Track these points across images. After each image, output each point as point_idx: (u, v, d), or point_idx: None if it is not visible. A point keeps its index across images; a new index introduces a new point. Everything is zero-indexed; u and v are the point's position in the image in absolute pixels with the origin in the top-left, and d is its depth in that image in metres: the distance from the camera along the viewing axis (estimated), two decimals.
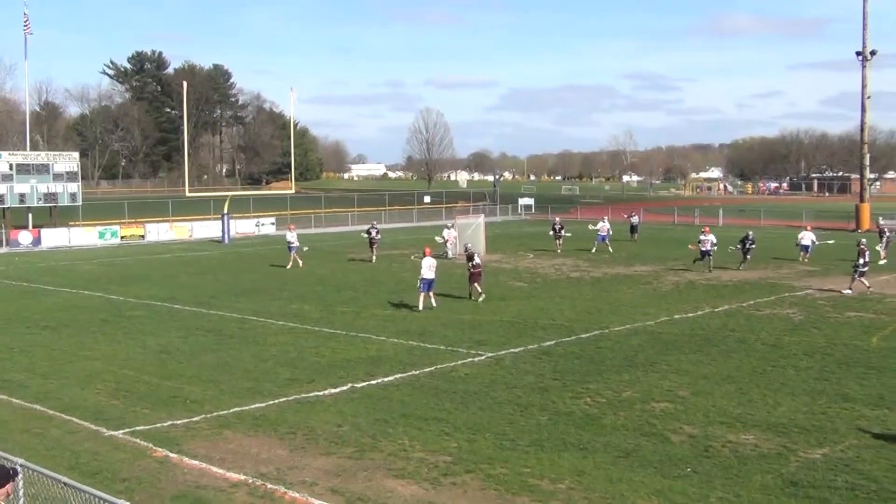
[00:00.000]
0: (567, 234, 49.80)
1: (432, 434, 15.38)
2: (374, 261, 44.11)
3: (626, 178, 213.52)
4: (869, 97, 67.45)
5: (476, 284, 30.64)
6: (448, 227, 47.32)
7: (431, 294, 28.79)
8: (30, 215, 56.69)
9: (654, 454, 14.26)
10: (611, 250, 48.80)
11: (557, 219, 52.46)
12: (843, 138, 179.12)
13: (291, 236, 42.69)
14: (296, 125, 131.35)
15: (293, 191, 78.33)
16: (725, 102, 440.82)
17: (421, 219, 79.77)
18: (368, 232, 45.73)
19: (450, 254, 45.47)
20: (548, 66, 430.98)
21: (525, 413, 16.67)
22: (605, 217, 53.01)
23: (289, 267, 41.21)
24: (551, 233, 50.10)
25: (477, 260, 31.18)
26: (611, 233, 50.27)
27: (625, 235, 55.18)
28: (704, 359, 21.15)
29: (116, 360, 21.55)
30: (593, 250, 48.68)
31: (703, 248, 39.52)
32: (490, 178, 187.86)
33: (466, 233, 46.78)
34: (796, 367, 20.10)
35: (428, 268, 28.49)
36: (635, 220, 55.98)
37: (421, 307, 28.08)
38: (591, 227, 53.13)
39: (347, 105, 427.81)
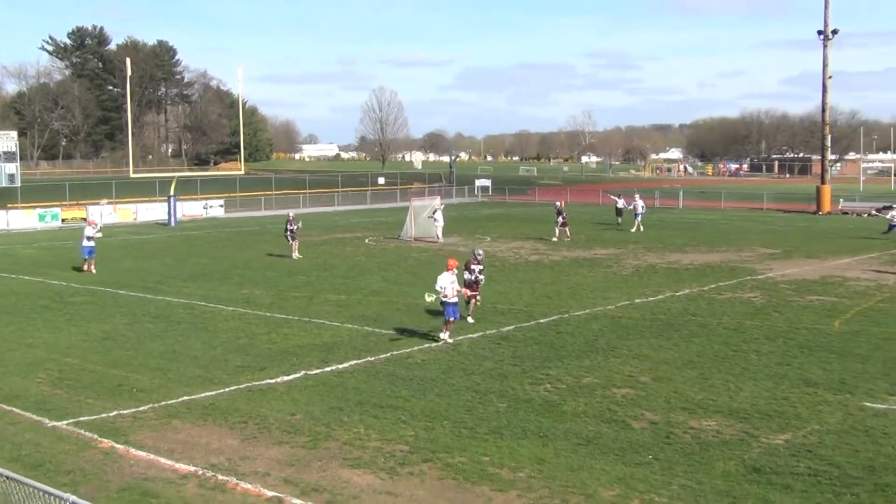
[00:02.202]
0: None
1: (389, 422, 15.03)
2: (294, 257, 38.01)
3: (584, 158, 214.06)
4: (830, 77, 67.69)
5: (476, 299, 24.22)
6: (434, 210, 46.26)
7: (451, 325, 21.49)
8: None
9: (616, 441, 14.07)
10: (641, 229, 49.68)
11: (559, 202, 47.95)
12: (804, 119, 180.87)
13: (91, 231, 34.01)
14: (244, 104, 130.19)
15: (242, 172, 77.57)
16: (687, 82, 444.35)
17: (375, 201, 79.22)
18: (286, 228, 38.67)
19: (440, 237, 44.96)
20: (505, 44, 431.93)
21: (484, 400, 16.36)
22: (638, 195, 53.56)
23: (85, 269, 33.56)
24: (560, 219, 46.03)
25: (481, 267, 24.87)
26: (645, 209, 51.30)
27: (609, 219, 55.08)
28: (665, 343, 20.97)
29: (59, 347, 20.89)
30: (633, 229, 49.44)
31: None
32: (446, 158, 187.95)
33: (421, 216, 46.43)
34: (758, 352, 20.01)
35: (451, 284, 21.27)
36: (621, 203, 55.27)
37: (449, 336, 21.33)
38: (621, 205, 53.81)
39: (298, 84, 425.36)
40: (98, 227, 35.50)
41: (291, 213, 40.63)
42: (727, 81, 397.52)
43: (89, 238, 33.56)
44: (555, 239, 44.72)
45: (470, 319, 23.36)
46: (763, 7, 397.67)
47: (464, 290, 22.07)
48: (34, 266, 36.07)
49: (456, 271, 21.67)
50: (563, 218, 45.68)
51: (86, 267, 33.56)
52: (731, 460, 13.22)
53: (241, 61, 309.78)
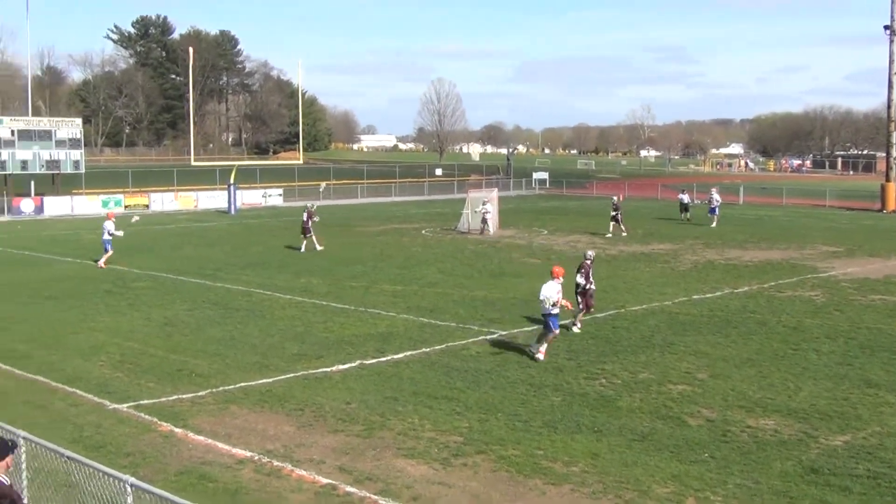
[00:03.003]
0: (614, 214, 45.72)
1: (443, 413, 15.07)
2: (316, 247, 36.98)
3: (643, 152, 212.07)
4: None
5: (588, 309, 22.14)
6: (484, 202, 46.31)
7: (551, 339, 19.37)
8: (32, 183, 56.37)
9: (671, 438, 13.95)
10: (718, 223, 49.42)
11: (615, 198, 47.36)
12: (868, 115, 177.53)
13: (105, 225, 32.76)
14: (304, 94, 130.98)
15: (301, 161, 78.02)
16: (748, 76, 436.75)
17: (432, 192, 79.32)
18: (305, 220, 37.35)
19: (490, 230, 44.99)
20: (564, 36, 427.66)
21: (538, 393, 16.32)
22: (715, 189, 53.13)
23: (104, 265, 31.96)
24: (613, 213, 45.24)
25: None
26: (720, 201, 51.07)
27: (675, 214, 54.50)
28: (723, 341, 20.73)
29: (121, 331, 21.26)
30: (713, 224, 49.05)
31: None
32: (503, 151, 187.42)
33: (474, 209, 46.39)
34: (818, 351, 19.69)
35: (557, 294, 18.90)
36: (686, 198, 54.57)
37: (543, 354, 19.01)
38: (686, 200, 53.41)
39: (357, 74, 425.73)
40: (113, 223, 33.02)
41: (310, 204, 39.62)
42: (790, 76, 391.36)
43: (110, 233, 32.16)
44: (609, 234, 44.30)
45: (576, 328, 21.46)
46: (826, 2, 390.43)
47: (566, 302, 19.26)
48: (97, 251, 36.56)
49: (562, 280, 19.25)
50: (617, 213, 45.04)
51: (103, 262, 31.78)
52: (789, 460, 13.04)
53: (303, 51, 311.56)
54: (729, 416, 15.03)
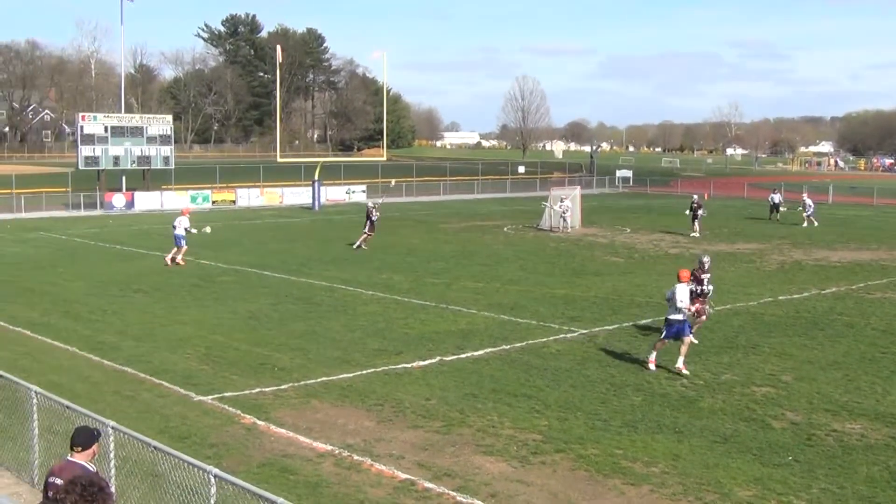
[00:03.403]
0: (703, 214, 45.12)
1: (522, 411, 15.06)
2: (364, 247, 36.57)
3: (729, 151, 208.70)
4: None
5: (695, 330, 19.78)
6: (562, 199, 46.14)
7: (684, 348, 17.83)
8: (123, 178, 57.65)
9: (754, 440, 13.76)
10: (810, 224, 48.60)
11: (696, 196, 46.93)
12: None
13: (180, 221, 32.06)
14: (388, 91, 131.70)
15: (385, 158, 78.44)
16: (838, 73, 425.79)
17: (515, 189, 79.17)
18: (367, 217, 37.18)
19: (569, 227, 44.87)
20: (649, 32, 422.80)
21: (619, 393, 16.22)
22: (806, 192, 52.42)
23: (170, 263, 31.50)
24: (688, 212, 44.94)
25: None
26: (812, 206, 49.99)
27: (762, 213, 53.47)
28: (809, 343, 20.32)
29: (206, 325, 21.68)
30: (804, 224, 48.29)
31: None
32: (587, 148, 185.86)
33: (555, 206, 46.18)
34: None
35: (682, 301, 17.72)
36: (777, 198, 53.57)
37: (654, 364, 18.03)
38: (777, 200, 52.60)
39: (441, 71, 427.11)
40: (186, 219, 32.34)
41: (371, 202, 39.01)
42: (882, 73, 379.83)
43: (186, 229, 31.60)
44: (694, 234, 43.60)
45: (694, 339, 19.18)
46: None
47: (692, 306, 18.23)
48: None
49: (689, 283, 18.28)
50: (696, 211, 44.22)
51: (170, 259, 31.39)
52: (876, 465, 12.76)
53: (387, 49, 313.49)
54: (814, 420, 14.76)
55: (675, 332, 17.76)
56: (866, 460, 12.97)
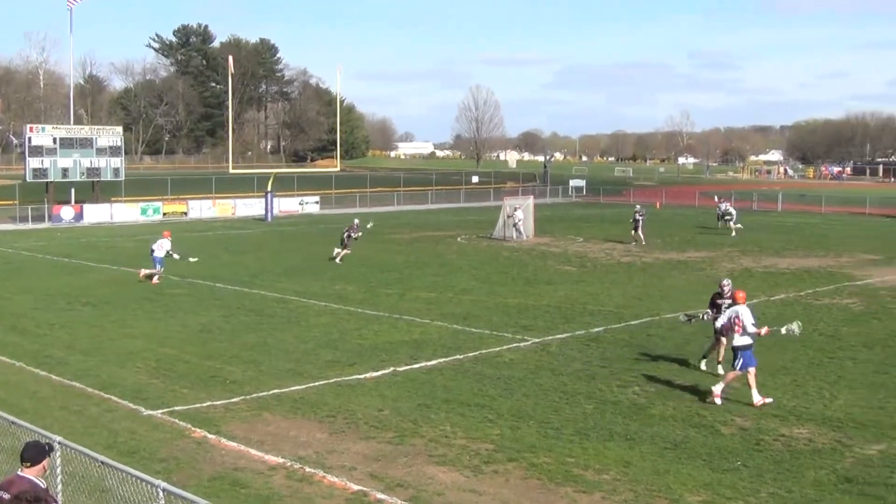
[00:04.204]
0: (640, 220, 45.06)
1: (475, 420, 15.08)
2: (337, 261, 35.55)
3: (681, 160, 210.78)
4: None
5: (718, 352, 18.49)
6: (515, 209, 46.26)
7: (752, 376, 16.26)
8: (72, 190, 56.91)
9: (704, 446, 13.89)
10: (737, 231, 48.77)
11: (638, 205, 47.71)
12: None
13: (162, 243, 30.74)
14: (342, 102, 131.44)
15: (338, 169, 78.39)
16: (788, 83, 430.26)
17: (468, 199, 79.37)
18: (345, 232, 36.83)
19: (524, 236, 45.07)
20: (604, 43, 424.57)
21: (571, 401, 16.29)
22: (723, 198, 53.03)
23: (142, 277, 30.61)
24: (632, 221, 44.85)
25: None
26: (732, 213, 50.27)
27: (712, 223, 53.78)
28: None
29: (156, 338, 21.46)
30: (733, 234, 48.29)
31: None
32: (540, 158, 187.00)
33: (510, 215, 46.37)
34: (854, 360, 19.51)
35: (735, 324, 16.45)
36: (724, 206, 53.89)
37: (719, 398, 16.27)
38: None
39: (395, 82, 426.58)
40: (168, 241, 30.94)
41: (357, 220, 38.51)
42: (830, 82, 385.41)
43: (168, 252, 30.39)
44: (643, 243, 43.77)
45: (720, 369, 17.94)
46: (868, 7, 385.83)
47: (766, 330, 16.61)
48: (135, 258, 36.91)
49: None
50: (635, 221, 44.48)
51: (144, 274, 30.47)
52: (823, 469, 12.93)
53: (340, 59, 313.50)
54: (762, 425, 14.93)
55: (752, 359, 16.23)
56: (813, 464, 13.14)
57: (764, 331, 16.37)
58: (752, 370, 16.15)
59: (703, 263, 36.54)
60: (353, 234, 36.59)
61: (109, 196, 60.07)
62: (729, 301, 17.99)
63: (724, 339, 17.72)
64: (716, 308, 18.36)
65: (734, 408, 15.89)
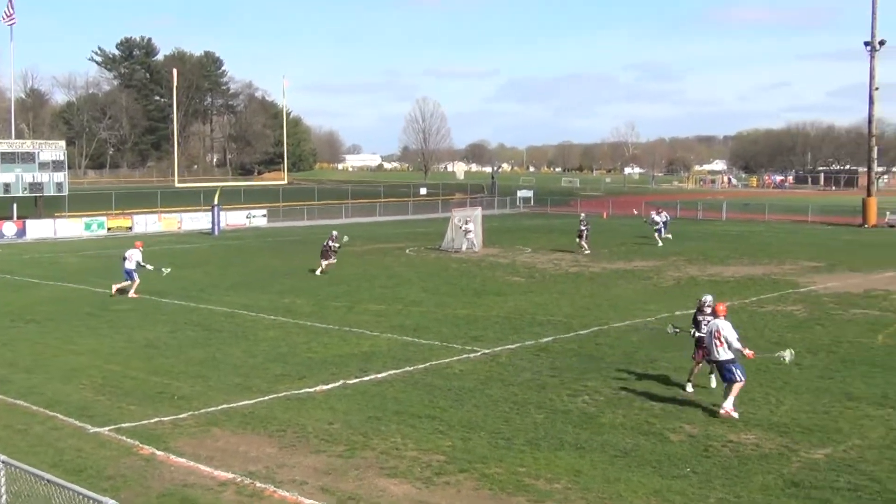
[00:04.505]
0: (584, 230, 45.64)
1: (426, 432, 15.05)
2: (318, 272, 35.91)
3: (627, 170, 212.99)
4: (877, 88, 66.59)
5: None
6: (467, 221, 46.29)
7: (735, 390, 16.07)
8: (14, 206, 56.04)
9: (653, 453, 13.98)
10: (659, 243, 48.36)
11: (582, 215, 48.38)
12: (850, 131, 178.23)
13: (132, 254, 30.80)
14: (289, 114, 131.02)
15: (286, 182, 78.05)
16: (730, 93, 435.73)
17: (416, 211, 79.42)
18: (326, 243, 37.00)
19: (475, 248, 45.15)
20: (549, 55, 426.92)
21: (521, 411, 16.33)
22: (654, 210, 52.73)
23: (114, 292, 30.44)
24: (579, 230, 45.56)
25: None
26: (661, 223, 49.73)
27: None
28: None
29: (102, 354, 21.17)
30: (659, 244, 47.92)
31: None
32: (488, 169, 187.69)
33: (458, 227, 46.44)
34: (800, 366, 19.71)
35: (715, 337, 16.38)
36: (660, 217, 54.24)
37: (733, 409, 15.93)
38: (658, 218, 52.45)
39: (342, 94, 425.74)
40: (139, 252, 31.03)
41: (335, 232, 38.71)
42: (772, 93, 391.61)
43: (140, 264, 30.39)
44: (587, 251, 44.29)
45: (689, 388, 17.86)
46: (807, 18, 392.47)
47: (750, 352, 16.38)
48: (80, 274, 36.59)
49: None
50: (580, 230, 45.19)
51: (116, 289, 30.30)
52: (770, 474, 13.08)
53: (287, 72, 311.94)
54: (710, 431, 15.08)
55: (740, 372, 16.07)
56: (761, 469, 13.29)
57: (748, 353, 16.19)
58: (742, 382, 16.06)
59: (650, 272, 36.88)
60: (332, 244, 36.50)
61: (53, 211, 59.20)
62: (710, 318, 17.36)
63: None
64: (696, 325, 18.03)
65: (683, 415, 16.04)
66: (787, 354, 16.78)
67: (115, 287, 30.49)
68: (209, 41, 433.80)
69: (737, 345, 16.09)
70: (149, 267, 30.66)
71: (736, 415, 15.75)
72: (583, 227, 45.06)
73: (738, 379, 15.99)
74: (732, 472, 13.14)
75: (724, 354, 16.12)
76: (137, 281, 30.45)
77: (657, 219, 49.86)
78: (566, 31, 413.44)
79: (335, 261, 36.62)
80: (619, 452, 14.03)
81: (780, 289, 32.02)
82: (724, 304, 17.60)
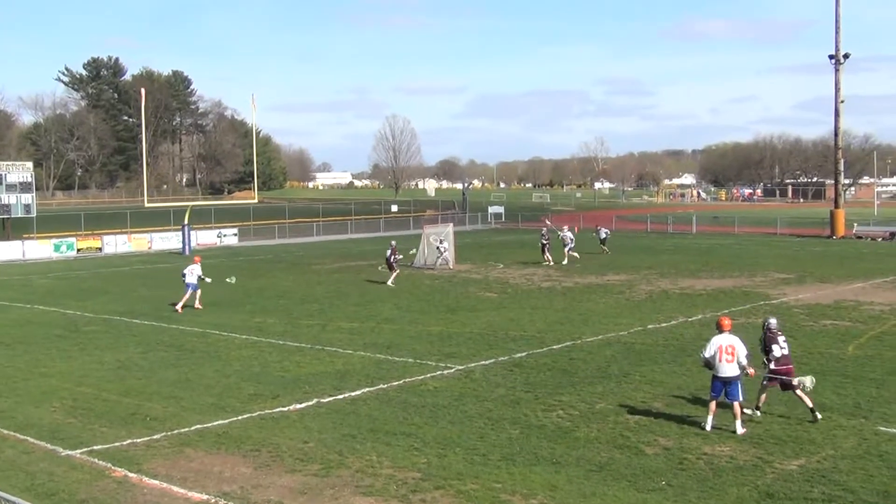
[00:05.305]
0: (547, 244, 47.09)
1: (401, 449, 15.00)
2: (389, 283, 38.02)
3: (597, 185, 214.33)
4: (843, 101, 67.48)
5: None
6: (441, 241, 46.21)
7: (738, 410, 15.94)
8: None
9: (628, 467, 13.99)
10: (571, 259, 47.75)
11: (544, 229, 49.28)
12: (817, 143, 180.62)
13: (192, 269, 32.25)
14: (258, 133, 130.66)
15: (256, 200, 77.77)
16: (699, 108, 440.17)
17: (388, 228, 79.37)
18: (388, 256, 39.28)
19: (450, 264, 45.16)
20: (518, 71, 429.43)
21: (496, 427, 16.31)
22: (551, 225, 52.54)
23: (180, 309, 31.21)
24: (544, 242, 47.18)
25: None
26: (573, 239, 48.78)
27: (630, 245, 54.25)
28: (678, 369, 20.90)
29: (73, 376, 20.96)
30: (564, 261, 47.32)
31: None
32: (459, 186, 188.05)
33: (431, 244, 46.42)
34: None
35: (727, 353, 15.96)
36: (603, 233, 54.65)
37: (709, 425, 16.01)
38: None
39: (312, 112, 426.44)
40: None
41: (394, 242, 40.59)
42: (739, 107, 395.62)
43: (200, 277, 31.93)
44: (551, 263, 45.76)
45: (758, 413, 16.92)
46: (772, 33, 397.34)
47: (752, 370, 16.29)
48: (49, 296, 36.26)
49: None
50: (542, 243, 46.84)
51: (181, 306, 31.26)
52: (745, 486, 13.12)
53: (256, 90, 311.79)
54: (685, 444, 15.13)
55: (729, 387, 15.88)
56: (736, 481, 13.33)
57: (751, 371, 16.14)
58: (738, 404, 15.88)
59: (622, 286, 37.03)
60: (395, 256, 38.85)
61: (21, 233, 58.67)
62: (783, 339, 17.08)
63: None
64: (768, 351, 16.99)
65: (657, 428, 16.09)
66: (808, 381, 16.47)
67: (178, 305, 31.37)
68: (178, 60, 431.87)
69: (744, 361, 15.92)
70: (208, 280, 32.57)
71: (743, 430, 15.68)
72: (544, 241, 46.91)
73: (741, 398, 15.91)
74: (708, 485, 13.18)
75: (731, 371, 15.87)
76: (199, 291, 32.09)
77: (568, 234, 48.70)
78: (535, 47, 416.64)
79: (398, 271, 39.16)
80: (595, 467, 14.04)
81: (751, 301, 32.25)
82: (730, 318, 17.29)
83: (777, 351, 16.81)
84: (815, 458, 14.32)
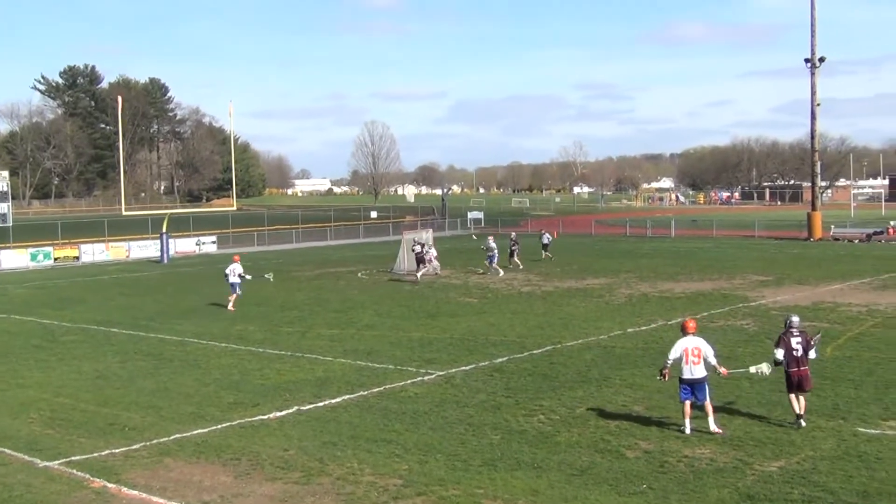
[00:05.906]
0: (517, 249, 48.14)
1: (382, 456, 14.96)
2: (519, 265, 46.41)
3: (576, 189, 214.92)
4: (819, 104, 67.88)
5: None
6: (430, 247, 46.06)
7: (710, 408, 16.12)
8: None
9: (610, 471, 14.00)
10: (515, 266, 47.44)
11: (513, 234, 50.63)
12: (794, 146, 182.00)
13: (234, 268, 33.78)
14: (236, 140, 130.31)
15: (235, 208, 77.52)
16: (676, 111, 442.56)
17: (368, 235, 79.28)
18: (509, 247, 47.63)
19: (438, 270, 45.07)
20: (496, 76, 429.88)
21: (477, 432, 16.30)
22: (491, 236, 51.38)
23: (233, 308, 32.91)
24: (512, 247, 48.25)
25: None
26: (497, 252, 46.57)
27: (538, 253, 53.49)
28: (656, 372, 20.87)
29: (50, 387, 20.81)
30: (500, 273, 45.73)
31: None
32: (438, 191, 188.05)
33: (412, 250, 46.31)
34: (751, 380, 19.89)
35: (693, 355, 15.98)
36: (546, 238, 54.59)
37: (688, 428, 15.95)
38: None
39: (290, 119, 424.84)
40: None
41: (514, 233, 45.30)
42: (716, 110, 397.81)
43: (240, 275, 33.62)
44: (521, 267, 46.68)
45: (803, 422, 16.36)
46: (749, 37, 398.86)
47: (724, 370, 16.38)
48: (26, 306, 36.01)
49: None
50: (511, 249, 48.12)
51: (232, 306, 33.03)
52: (726, 488, 13.15)
53: (234, 97, 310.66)
54: (666, 447, 15.15)
55: (692, 389, 15.89)
56: (716, 483, 13.36)
57: (723, 370, 16.25)
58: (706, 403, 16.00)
59: (601, 290, 37.10)
60: (424, 250, 42.70)
61: None
62: (799, 338, 16.62)
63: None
64: (784, 344, 16.62)
65: (638, 431, 16.11)
66: (765, 367, 16.63)
67: (229, 305, 33.02)
68: (155, 67, 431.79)
69: (713, 361, 16.02)
70: (248, 277, 34.21)
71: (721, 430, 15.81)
72: (513, 248, 48.11)
73: (709, 398, 15.98)
74: (689, 487, 13.21)
75: (698, 372, 15.93)
76: (239, 293, 33.44)
77: (492, 245, 46.92)
78: (513, 52, 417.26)
79: (428, 268, 42.30)
80: (576, 471, 14.04)
81: (730, 303, 32.37)
82: (694, 320, 17.42)
83: (780, 354, 16.55)
84: (795, 460, 14.38)
